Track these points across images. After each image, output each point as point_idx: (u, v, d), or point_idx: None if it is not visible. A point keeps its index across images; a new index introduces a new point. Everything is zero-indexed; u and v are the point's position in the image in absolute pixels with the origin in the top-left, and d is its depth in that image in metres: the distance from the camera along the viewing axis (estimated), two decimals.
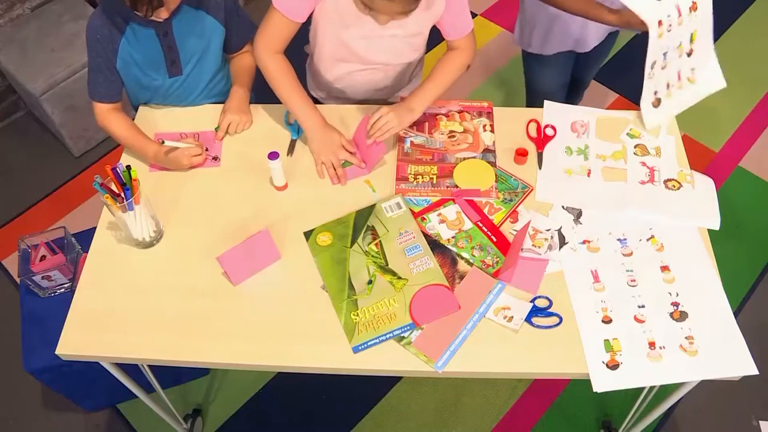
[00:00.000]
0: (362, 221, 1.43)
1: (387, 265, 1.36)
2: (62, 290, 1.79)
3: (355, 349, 1.25)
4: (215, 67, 1.66)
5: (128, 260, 1.40)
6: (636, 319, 1.29)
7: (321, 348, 1.26)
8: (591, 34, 1.78)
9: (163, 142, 1.50)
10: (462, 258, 1.37)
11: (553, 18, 1.73)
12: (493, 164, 1.53)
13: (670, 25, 1.44)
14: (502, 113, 1.65)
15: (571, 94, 2.15)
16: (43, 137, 2.72)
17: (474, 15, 3.15)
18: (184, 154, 1.51)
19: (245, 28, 1.66)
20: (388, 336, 1.26)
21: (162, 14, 1.42)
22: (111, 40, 1.48)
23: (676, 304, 1.31)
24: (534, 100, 2.04)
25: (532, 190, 1.50)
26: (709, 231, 1.43)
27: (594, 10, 1.51)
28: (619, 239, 1.41)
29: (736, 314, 1.33)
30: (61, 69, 2.38)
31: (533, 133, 1.60)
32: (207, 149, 1.58)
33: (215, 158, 1.57)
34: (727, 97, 2.79)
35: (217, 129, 1.61)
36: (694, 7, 1.47)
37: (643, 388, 1.61)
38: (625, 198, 1.47)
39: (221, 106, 1.64)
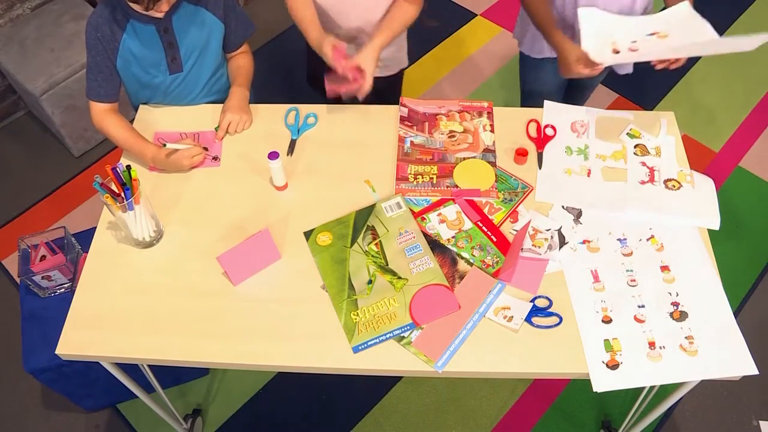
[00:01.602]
0: (362, 221, 1.43)
1: (387, 265, 1.36)
2: (62, 290, 1.79)
3: (355, 349, 1.25)
4: (215, 64, 1.66)
5: (128, 260, 1.40)
6: (636, 319, 1.29)
7: (321, 348, 1.26)
8: None
9: (164, 145, 1.50)
10: (462, 258, 1.37)
11: None
12: (493, 164, 1.53)
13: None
14: (502, 113, 1.65)
15: (574, 97, 2.12)
16: (43, 137, 2.73)
17: (474, 15, 3.17)
18: (184, 155, 1.51)
19: (243, 26, 1.67)
20: (388, 336, 1.26)
21: (162, 7, 1.42)
22: (112, 38, 1.48)
23: (676, 304, 1.31)
24: (526, 100, 2.02)
25: (532, 190, 1.50)
26: (709, 231, 1.43)
27: (551, 28, 1.57)
28: (619, 239, 1.41)
29: (736, 314, 1.33)
30: (61, 69, 2.38)
31: (533, 133, 1.60)
32: (207, 149, 1.58)
33: (215, 158, 1.57)
34: (727, 97, 2.81)
35: (217, 129, 1.62)
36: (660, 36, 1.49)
37: (643, 388, 1.62)
38: (625, 198, 1.47)
39: (221, 105, 1.64)
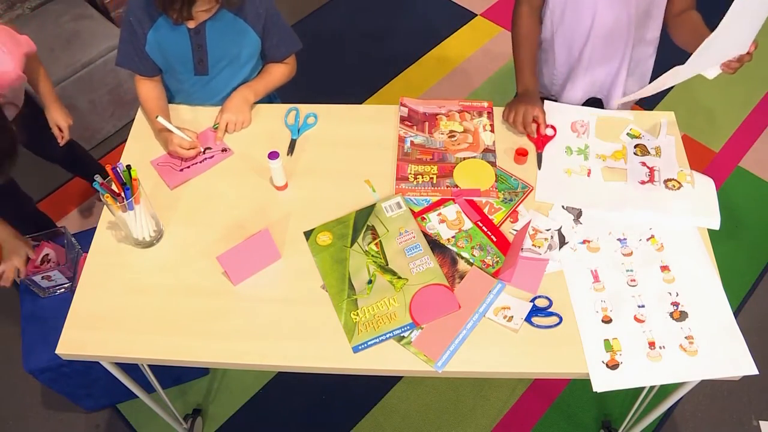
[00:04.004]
0: (362, 221, 1.43)
1: (387, 264, 1.36)
2: (62, 290, 1.79)
3: (355, 349, 1.25)
4: (245, 76, 1.65)
5: (128, 260, 1.40)
6: (636, 319, 1.29)
7: (321, 348, 1.26)
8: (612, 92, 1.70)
9: (157, 117, 1.51)
10: (462, 258, 1.37)
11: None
12: (493, 164, 1.53)
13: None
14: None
15: None
16: None
17: (474, 15, 3.17)
18: (173, 142, 1.52)
19: (286, 43, 1.64)
20: (388, 336, 1.26)
21: (190, 25, 1.45)
22: (141, 25, 1.49)
23: (676, 304, 1.31)
24: None
25: (532, 190, 1.50)
26: (709, 231, 1.43)
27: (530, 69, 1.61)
28: (619, 239, 1.41)
29: (736, 314, 1.33)
30: (61, 69, 2.38)
31: (533, 133, 1.60)
32: (210, 148, 1.58)
33: (224, 150, 1.58)
34: (727, 97, 2.81)
35: (215, 127, 1.61)
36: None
37: (643, 388, 1.62)
38: (625, 198, 1.47)
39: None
